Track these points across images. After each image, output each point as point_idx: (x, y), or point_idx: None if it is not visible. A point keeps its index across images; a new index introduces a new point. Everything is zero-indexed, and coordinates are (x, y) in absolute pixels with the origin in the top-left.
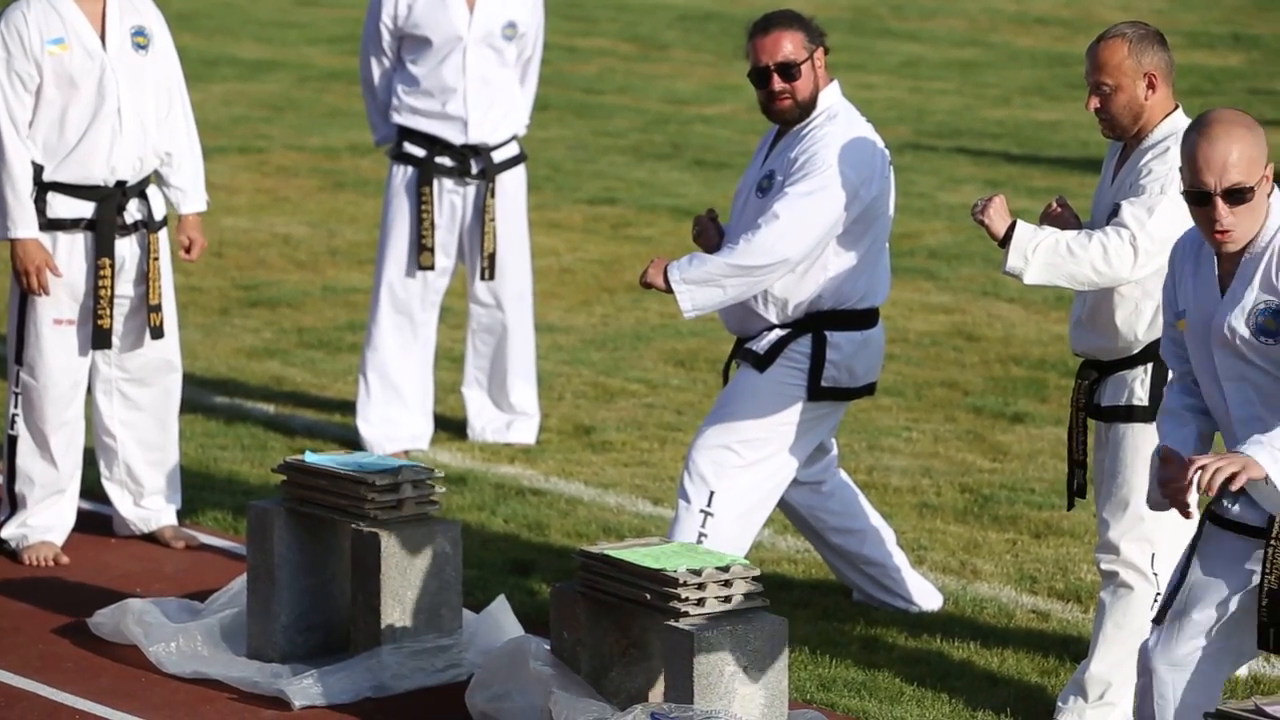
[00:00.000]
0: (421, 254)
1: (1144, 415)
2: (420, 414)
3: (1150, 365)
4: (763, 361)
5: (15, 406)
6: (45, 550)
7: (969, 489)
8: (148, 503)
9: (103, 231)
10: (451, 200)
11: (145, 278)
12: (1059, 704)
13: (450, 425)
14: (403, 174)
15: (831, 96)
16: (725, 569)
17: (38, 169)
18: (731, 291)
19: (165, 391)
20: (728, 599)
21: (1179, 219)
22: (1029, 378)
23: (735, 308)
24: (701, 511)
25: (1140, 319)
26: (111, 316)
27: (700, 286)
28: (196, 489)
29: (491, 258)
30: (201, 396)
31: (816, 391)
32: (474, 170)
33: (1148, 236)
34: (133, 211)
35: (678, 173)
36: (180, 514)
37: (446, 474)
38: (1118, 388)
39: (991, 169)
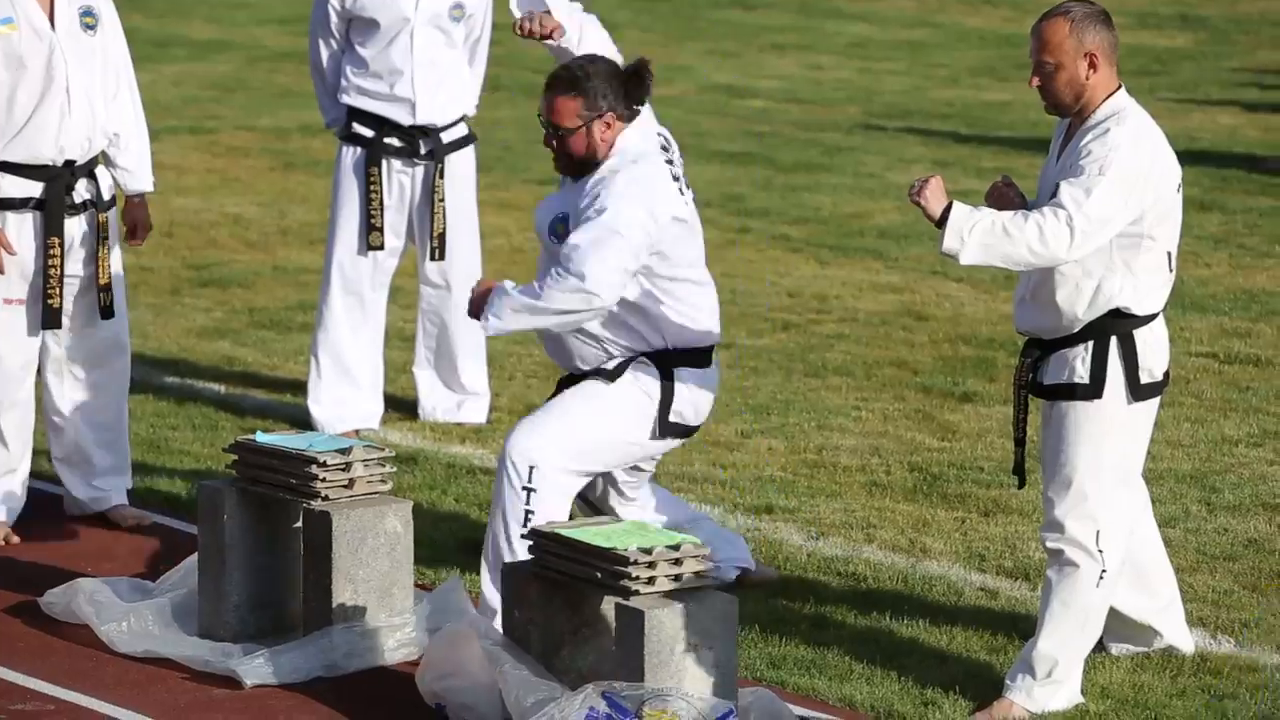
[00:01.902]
0: (371, 234)
1: (1085, 393)
2: (371, 394)
3: (1091, 344)
4: (612, 375)
5: None
6: None
7: (918, 468)
8: (99, 482)
9: (52, 211)
10: (400, 180)
11: (94, 257)
12: (1007, 681)
13: (401, 405)
14: (351, 154)
15: (627, 141)
16: (676, 548)
17: None
18: (540, 325)
19: (115, 372)
20: (678, 577)
21: (1117, 200)
22: (977, 357)
23: (567, 347)
24: (524, 488)
25: (1081, 298)
26: (61, 296)
27: (515, 314)
28: (147, 469)
29: (441, 238)
30: (152, 376)
31: (665, 429)
32: (422, 151)
33: (1085, 217)
34: (81, 191)
35: None
36: (131, 494)
37: (397, 454)
38: (1059, 366)
39: (941, 149)
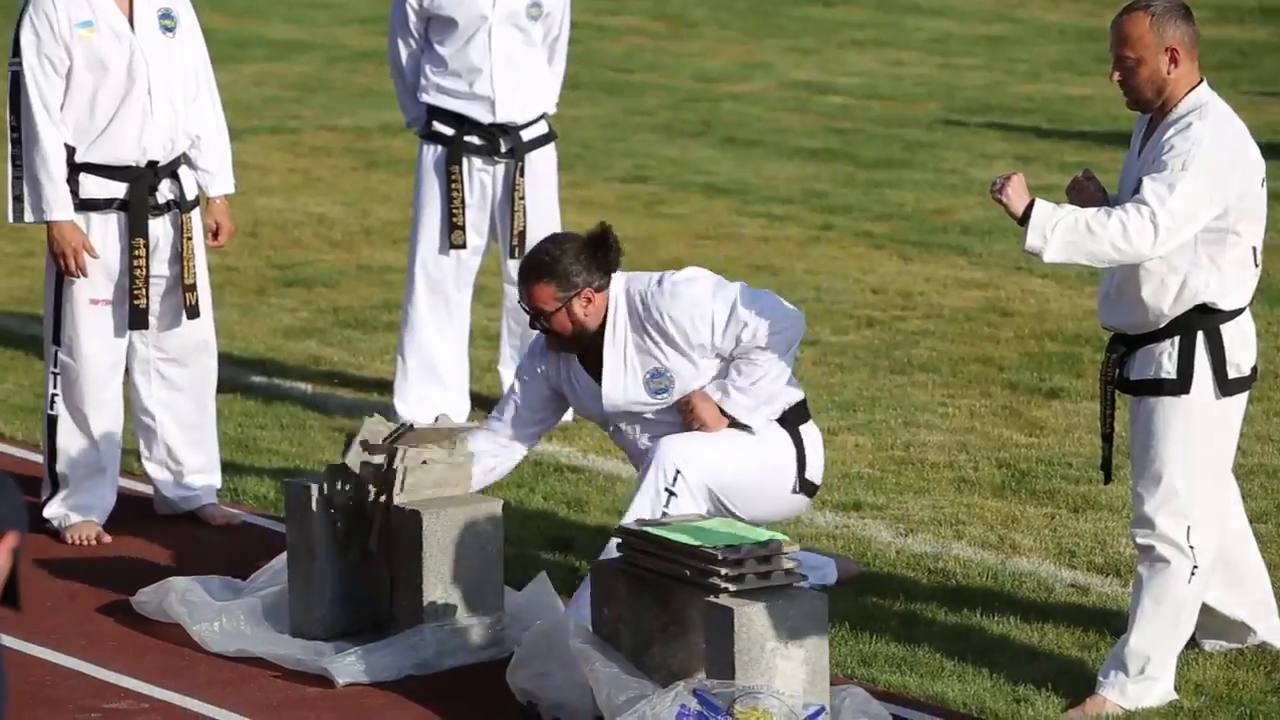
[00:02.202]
0: (453, 232)
1: (1172, 388)
2: (457, 392)
3: (1177, 339)
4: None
5: (54, 386)
6: (87, 530)
7: (1006, 464)
8: (188, 482)
9: (136, 211)
10: (481, 179)
11: (179, 257)
12: (1100, 678)
13: (487, 403)
14: (432, 153)
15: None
16: (764, 545)
17: (70, 150)
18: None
19: (203, 371)
20: (767, 575)
21: (1201, 196)
22: (1064, 353)
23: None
24: (666, 490)
25: (1166, 293)
26: (147, 296)
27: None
28: (236, 468)
29: (521, 235)
30: (239, 376)
31: (803, 486)
32: (503, 149)
33: (1168, 213)
34: (165, 191)
35: (709, 150)
36: (220, 493)
37: None
38: (1145, 361)
39: (1022, 144)
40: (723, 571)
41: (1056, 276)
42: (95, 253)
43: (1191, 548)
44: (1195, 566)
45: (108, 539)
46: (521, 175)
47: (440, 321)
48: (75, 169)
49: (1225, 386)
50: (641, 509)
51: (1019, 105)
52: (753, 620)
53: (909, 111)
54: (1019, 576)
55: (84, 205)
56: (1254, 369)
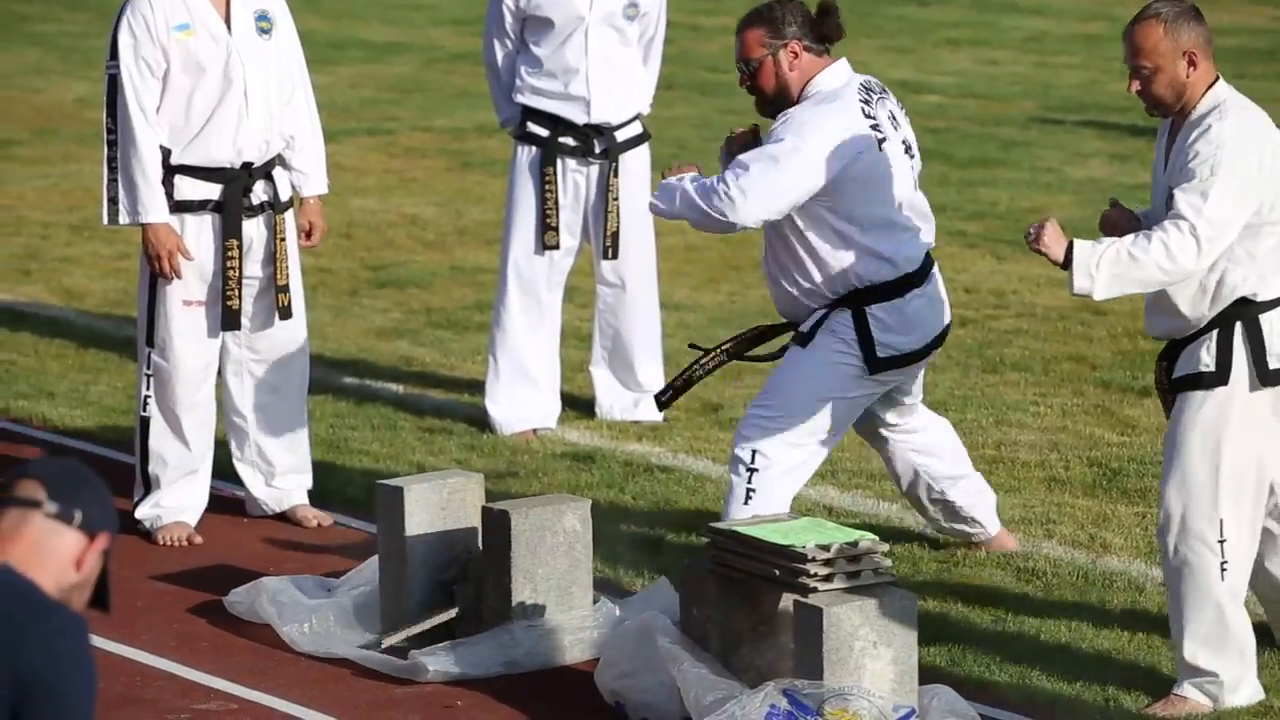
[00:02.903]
0: (546, 233)
1: (1211, 380)
2: (548, 393)
3: (1216, 331)
4: (806, 338)
5: (147, 388)
6: (179, 530)
7: (1097, 463)
8: (279, 482)
9: (230, 213)
10: (575, 180)
11: (273, 258)
12: (1174, 691)
13: (578, 404)
14: (527, 154)
15: (825, 81)
16: (854, 544)
17: (165, 152)
18: (679, 214)
19: (295, 372)
20: (856, 574)
21: (1235, 197)
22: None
23: (783, 296)
24: (747, 469)
25: (1205, 295)
26: (240, 297)
27: (667, 199)
28: (327, 469)
29: (615, 236)
30: (331, 377)
31: (876, 365)
32: (597, 150)
33: (1207, 223)
34: (259, 193)
35: None
36: (311, 493)
37: (575, 452)
38: (1188, 359)
39: (1117, 143)
40: (812, 571)
41: None
42: (190, 254)
43: (1221, 543)
44: (1224, 562)
45: (199, 540)
46: (615, 176)
47: (532, 322)
48: (170, 171)
49: (1266, 377)
50: (734, 498)
51: (1115, 104)
52: (842, 620)
53: (1004, 110)
54: (1109, 576)
55: (179, 207)
56: None
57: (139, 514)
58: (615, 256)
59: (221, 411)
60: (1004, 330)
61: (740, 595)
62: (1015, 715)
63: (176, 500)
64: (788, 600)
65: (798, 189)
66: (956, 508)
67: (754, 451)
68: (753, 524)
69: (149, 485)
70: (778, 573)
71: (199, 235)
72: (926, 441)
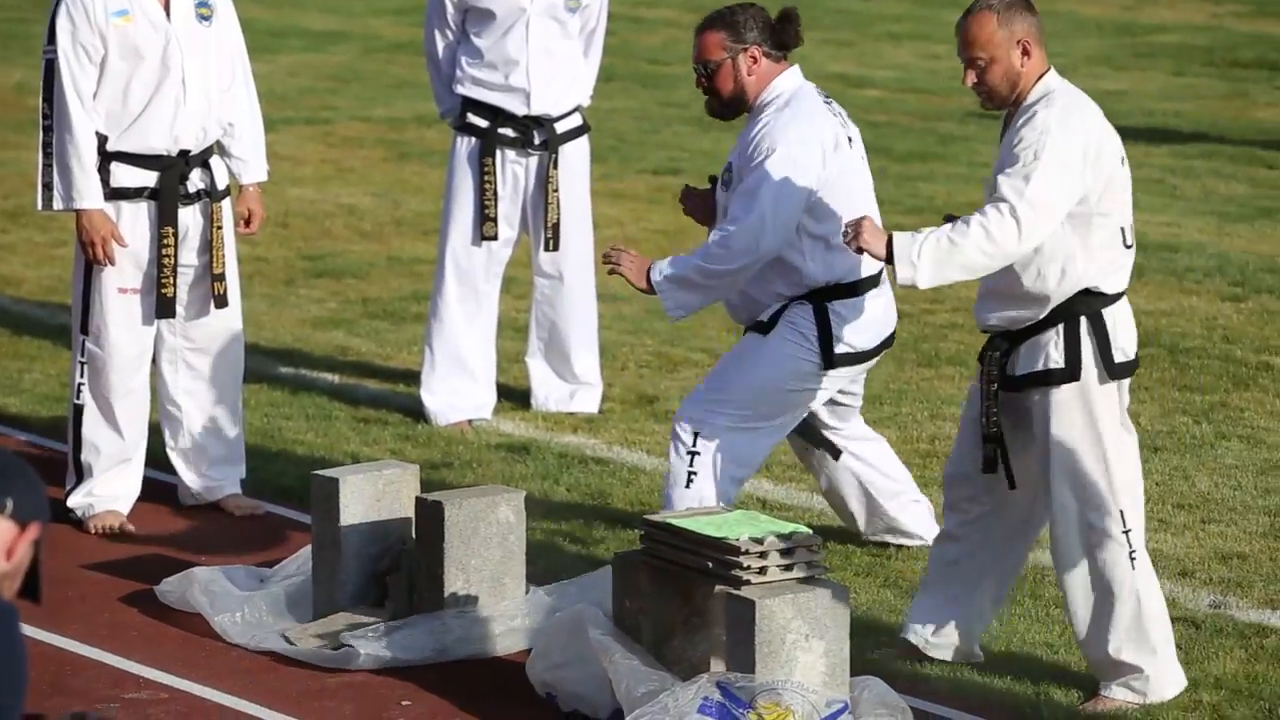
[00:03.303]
0: (485, 224)
1: (1061, 377)
2: (484, 384)
3: (1062, 326)
4: (766, 327)
5: (81, 376)
6: (111, 519)
7: None
8: (212, 472)
9: (166, 200)
10: (514, 171)
11: (209, 247)
12: (1101, 692)
13: (514, 395)
14: (466, 145)
15: (783, 85)
16: (787, 537)
17: (101, 139)
18: (711, 295)
19: (229, 361)
20: (789, 567)
21: (1057, 182)
22: None
23: (742, 302)
24: (688, 451)
25: (1046, 283)
26: (175, 285)
27: (680, 289)
28: (261, 458)
29: (555, 228)
30: (266, 366)
31: (832, 361)
32: (537, 141)
33: (1027, 204)
34: (196, 181)
35: None
36: (245, 483)
37: (510, 443)
38: (1031, 354)
39: None
40: (745, 563)
41: None
42: (124, 241)
43: (1126, 533)
44: (1133, 552)
45: (131, 528)
46: (555, 167)
47: (469, 313)
48: (106, 157)
49: (1113, 371)
50: (675, 479)
51: None
52: (774, 613)
53: (944, 105)
54: (1041, 570)
55: (114, 194)
56: (1136, 354)
57: (71, 502)
58: (556, 248)
59: (155, 400)
60: (939, 325)
61: (673, 587)
62: (946, 708)
63: (109, 489)
64: (720, 592)
65: (803, 202)
66: (895, 521)
67: (695, 434)
68: (686, 516)
69: (81, 474)
70: (711, 565)
71: (134, 222)
72: (865, 451)
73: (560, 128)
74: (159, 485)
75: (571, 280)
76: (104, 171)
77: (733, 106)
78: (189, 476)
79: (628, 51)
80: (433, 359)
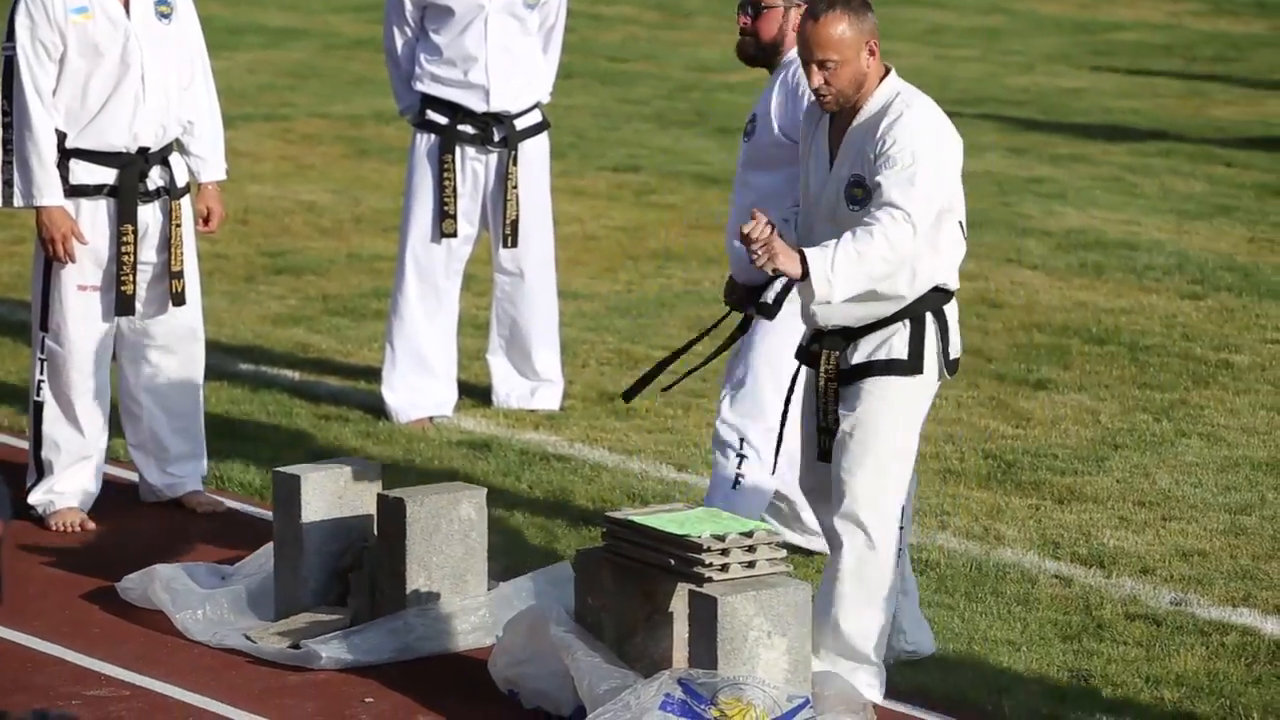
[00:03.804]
0: (444, 221)
1: (903, 369)
2: (445, 381)
3: (909, 321)
4: (771, 309)
5: (41, 373)
6: (71, 516)
7: (992, 455)
8: (173, 469)
9: (125, 198)
10: (474, 168)
11: (168, 244)
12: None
13: (475, 392)
14: (425, 142)
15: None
16: (749, 534)
17: (60, 136)
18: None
19: (190, 358)
20: (751, 564)
21: (935, 181)
22: (1052, 344)
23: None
24: (736, 455)
25: (897, 284)
26: (134, 283)
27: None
28: (222, 455)
29: (514, 225)
30: (227, 363)
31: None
32: (496, 138)
33: (916, 205)
34: (155, 178)
35: (701, 140)
36: (206, 480)
37: (471, 440)
38: (871, 345)
39: (1015, 136)
40: (707, 561)
41: (1045, 268)
42: (84, 239)
43: (901, 529)
44: (901, 549)
45: (92, 525)
46: (514, 164)
47: (429, 310)
48: (66, 155)
49: (949, 367)
50: (719, 486)
51: (1013, 97)
52: (736, 610)
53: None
54: (1003, 567)
55: (74, 191)
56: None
57: (32, 499)
58: (515, 245)
59: (116, 397)
60: None
61: (635, 584)
62: (907, 705)
63: (69, 486)
64: (682, 590)
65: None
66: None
67: (742, 439)
68: (648, 513)
69: (42, 470)
70: (673, 562)
71: (94, 220)
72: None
73: (520, 124)
74: (120, 482)
75: (532, 277)
76: (63, 168)
77: (765, 54)
78: (150, 473)
79: (587, 48)
80: (393, 356)
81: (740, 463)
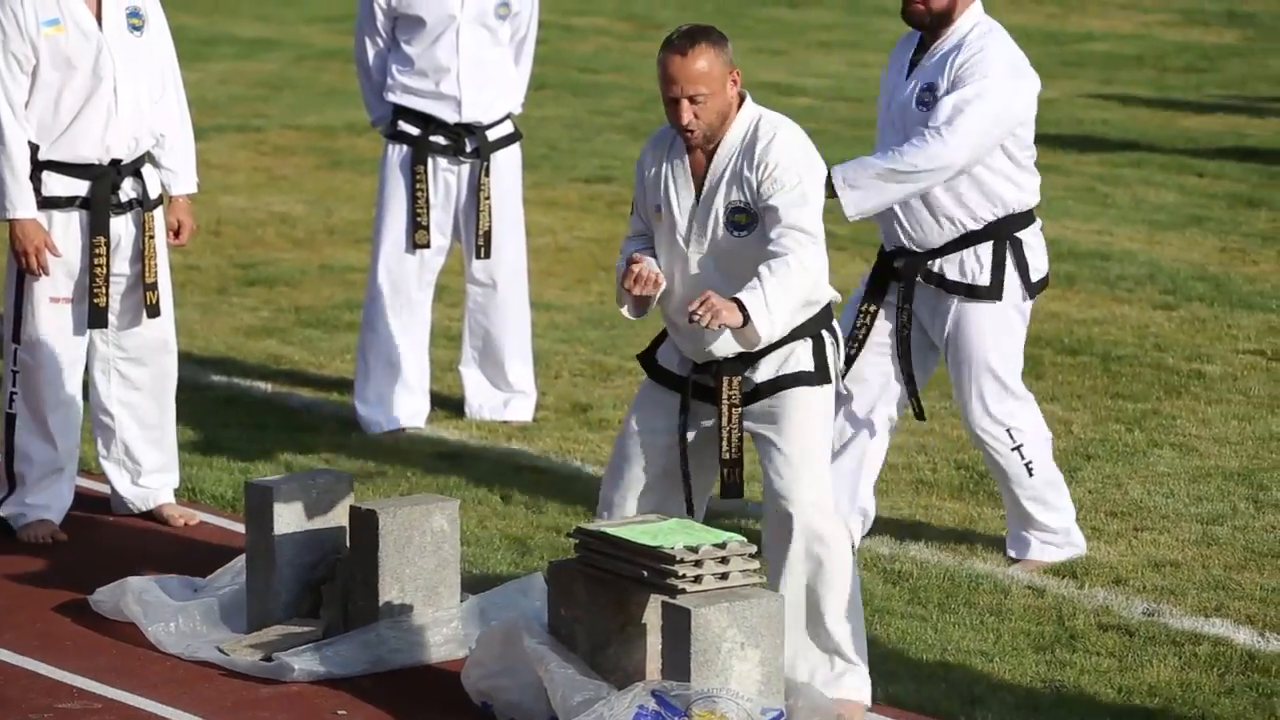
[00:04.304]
0: (417, 232)
1: (810, 379)
2: (418, 393)
3: (810, 340)
4: (969, 286)
5: (13, 385)
6: (42, 529)
7: (965, 466)
8: (146, 481)
9: (98, 210)
10: (446, 179)
11: (141, 256)
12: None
13: (448, 404)
14: (397, 153)
15: (978, 16)
16: (722, 546)
17: (33, 148)
18: (889, 197)
19: (162, 370)
20: (724, 576)
21: (820, 194)
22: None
23: (910, 219)
24: (1013, 449)
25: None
26: (107, 295)
27: (856, 189)
28: (194, 467)
29: (487, 236)
30: (199, 375)
31: (1033, 289)
32: (468, 149)
33: (815, 223)
34: (127, 190)
35: None
36: (178, 492)
37: (444, 452)
38: (776, 362)
39: None
40: (681, 572)
41: None
42: (58, 251)
43: (838, 516)
44: (854, 543)
45: (63, 537)
46: (487, 175)
47: (402, 321)
48: (38, 166)
49: (839, 378)
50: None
51: None
52: (710, 622)
53: (875, 113)
54: (976, 578)
55: (46, 203)
56: None
57: (3, 512)
58: (488, 256)
59: (88, 409)
60: None
61: (608, 595)
62: (880, 716)
63: (41, 498)
64: (655, 601)
65: (1011, 126)
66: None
67: (1008, 429)
68: (621, 525)
69: (13, 483)
70: (646, 574)
71: (66, 232)
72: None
73: (492, 135)
74: (91, 494)
75: (504, 288)
76: (35, 181)
77: (938, 21)
78: (122, 485)
79: (559, 59)
80: (366, 367)
81: (1021, 450)
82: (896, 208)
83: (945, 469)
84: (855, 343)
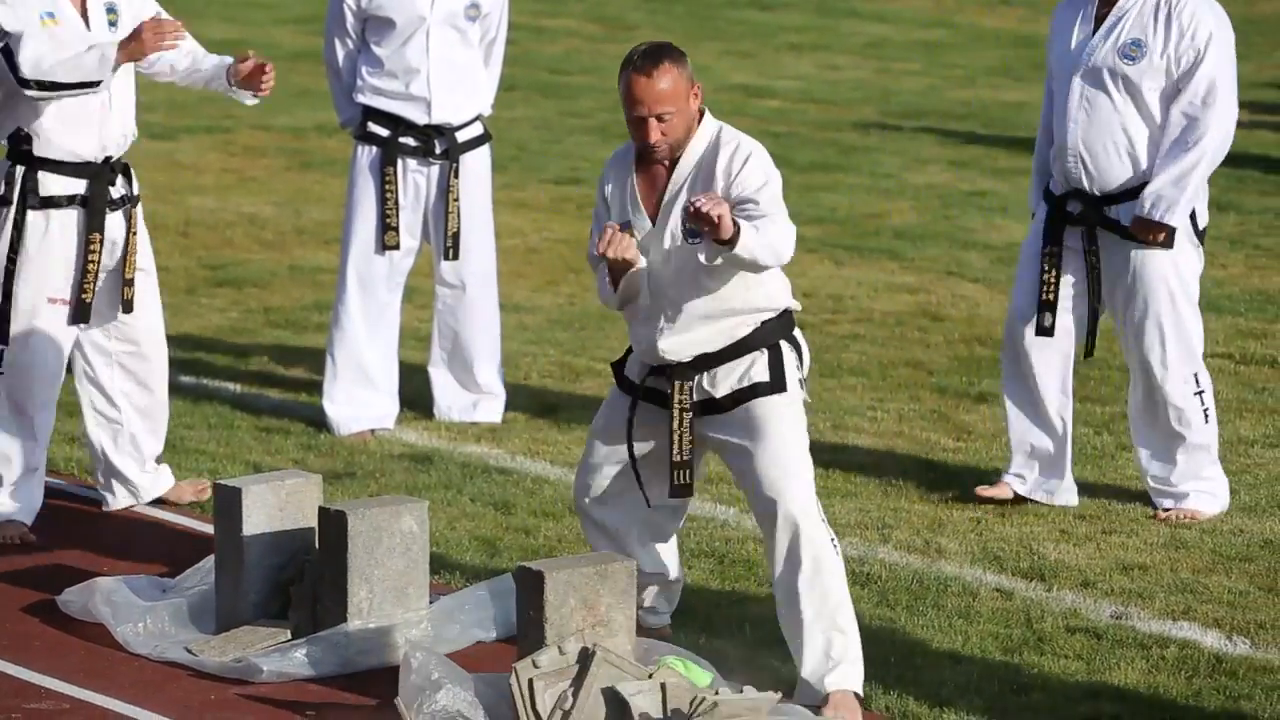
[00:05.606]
0: (386, 234)
1: (768, 389)
2: (386, 394)
3: (766, 351)
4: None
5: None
6: (11, 529)
7: (934, 468)
8: (151, 468)
9: (95, 207)
10: (415, 180)
11: (126, 251)
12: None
13: (416, 405)
14: (367, 154)
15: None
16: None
17: (29, 147)
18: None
19: (161, 361)
20: None
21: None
22: (993, 357)
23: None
24: (1196, 393)
25: (751, 296)
26: (94, 292)
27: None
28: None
29: (455, 237)
30: (168, 376)
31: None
32: (438, 150)
33: (786, 217)
34: (119, 187)
35: None
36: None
37: (413, 453)
38: (731, 373)
39: (957, 149)
40: None
41: (987, 281)
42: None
43: (823, 520)
44: (833, 537)
45: (32, 538)
46: (456, 177)
47: (371, 323)
48: (34, 166)
49: (803, 384)
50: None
51: (954, 110)
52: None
53: (844, 115)
54: (944, 580)
55: (45, 203)
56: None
57: None
58: (456, 257)
59: (79, 410)
60: (841, 335)
61: (577, 597)
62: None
63: (15, 498)
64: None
65: None
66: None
67: (1195, 373)
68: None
69: None
70: None
71: (64, 231)
72: None
73: (461, 137)
74: (60, 494)
75: (474, 290)
76: (32, 180)
77: None
78: (134, 476)
79: (529, 61)
80: (335, 368)
81: (1202, 397)
82: (1081, 146)
83: (914, 471)
84: (1048, 288)
